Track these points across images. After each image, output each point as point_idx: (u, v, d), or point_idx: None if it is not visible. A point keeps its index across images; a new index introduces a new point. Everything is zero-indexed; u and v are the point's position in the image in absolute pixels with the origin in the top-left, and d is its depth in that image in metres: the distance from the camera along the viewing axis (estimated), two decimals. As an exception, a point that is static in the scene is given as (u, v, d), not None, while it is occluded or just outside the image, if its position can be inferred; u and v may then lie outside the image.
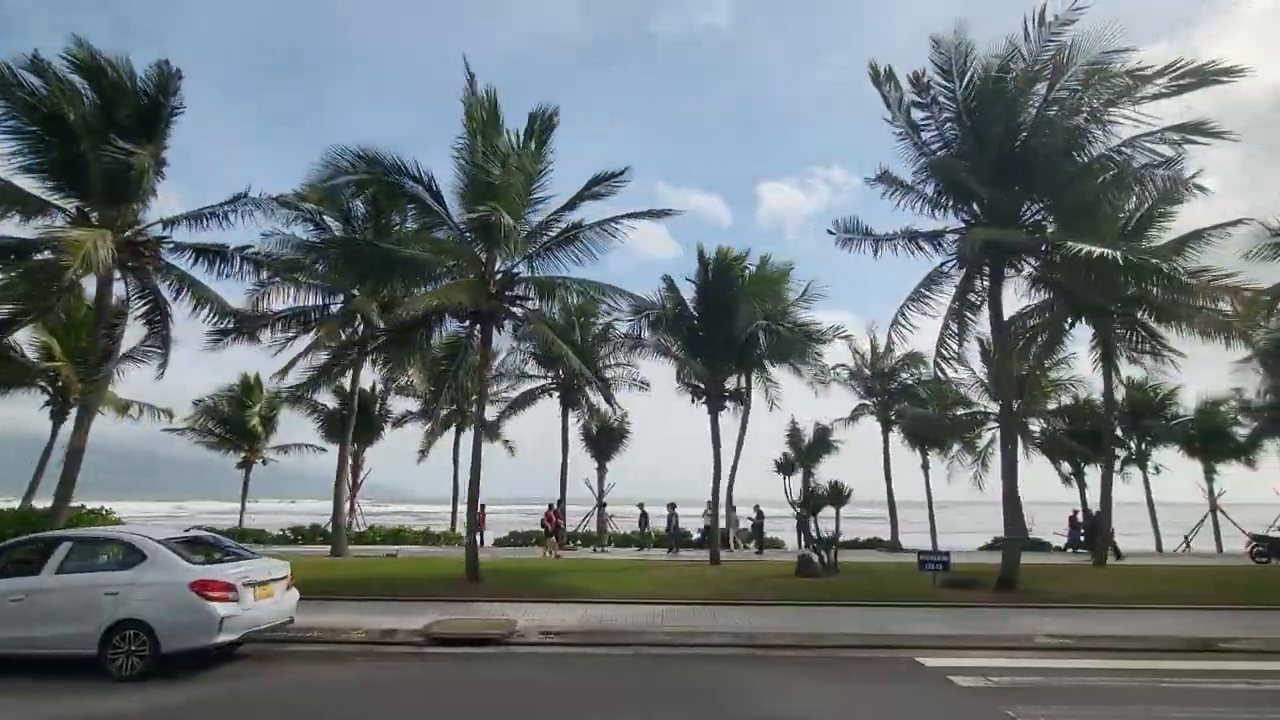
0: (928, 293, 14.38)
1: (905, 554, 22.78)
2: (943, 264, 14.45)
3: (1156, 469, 28.80)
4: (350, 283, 15.57)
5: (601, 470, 29.24)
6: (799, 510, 15.59)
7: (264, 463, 30.76)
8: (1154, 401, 28.28)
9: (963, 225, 14.37)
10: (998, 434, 30.71)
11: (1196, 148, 12.22)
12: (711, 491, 18.20)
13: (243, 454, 30.49)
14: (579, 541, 26.79)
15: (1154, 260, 12.51)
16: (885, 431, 27.94)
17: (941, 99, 13.56)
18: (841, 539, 28.61)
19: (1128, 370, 24.17)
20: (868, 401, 28.68)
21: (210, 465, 30.51)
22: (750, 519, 24.71)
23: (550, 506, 24.82)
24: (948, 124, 13.92)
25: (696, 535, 26.10)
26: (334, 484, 20.25)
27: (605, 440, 29.09)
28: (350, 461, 31.00)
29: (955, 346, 15.78)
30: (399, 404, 32.05)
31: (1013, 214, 13.95)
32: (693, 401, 18.58)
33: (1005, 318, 20.26)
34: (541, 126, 14.48)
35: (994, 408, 30.14)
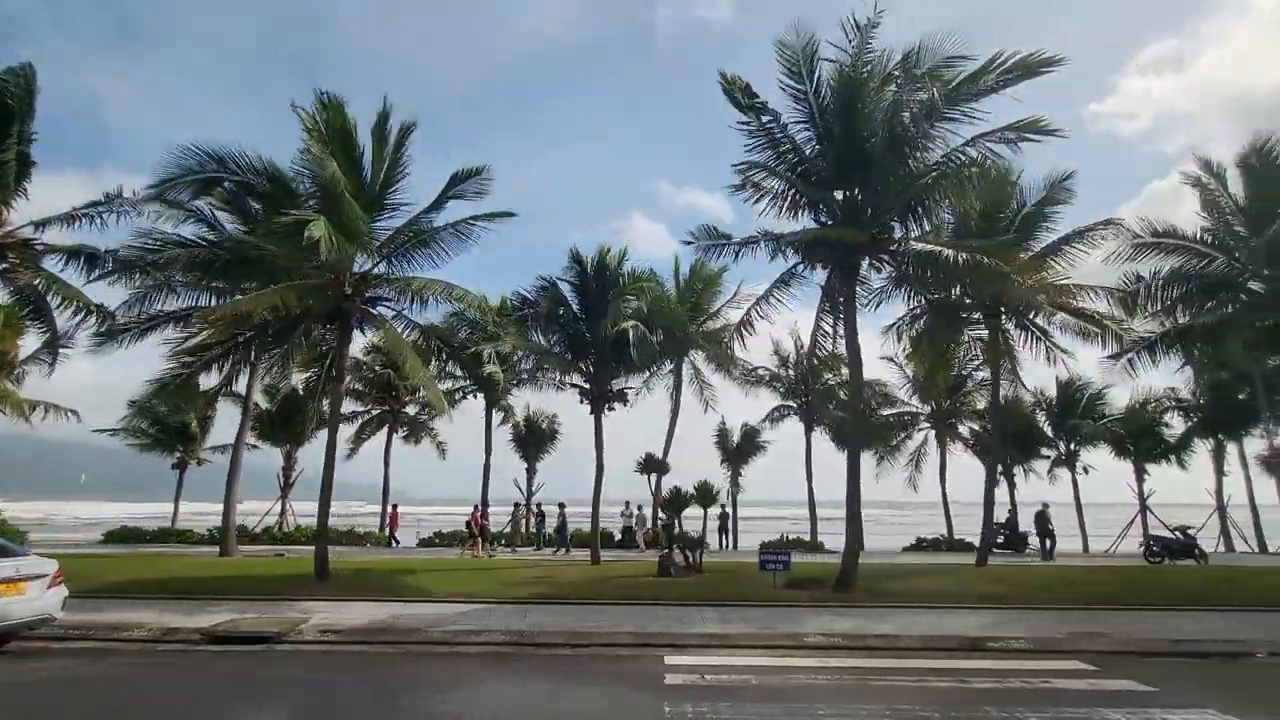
0: (778, 295, 14.42)
1: (826, 555, 22.81)
2: (794, 265, 14.48)
3: (1085, 469, 28.76)
4: (207, 283, 15.69)
5: (531, 471, 29.31)
6: (664, 511, 15.62)
7: (199, 463, 30.94)
8: (1080, 400, 28.23)
9: (815, 225, 14.41)
10: (930, 434, 30.86)
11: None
12: (593, 493, 18.23)
13: (177, 454, 30.71)
14: (502, 542, 26.86)
15: (987, 259, 12.56)
16: (808, 433, 27.92)
17: (784, 104, 13.64)
18: (786, 540, 28.71)
19: (1050, 370, 24.22)
20: (790, 403, 28.68)
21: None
22: (661, 519, 24.71)
23: (475, 508, 25.03)
24: (799, 126, 13.96)
25: (618, 535, 26.36)
26: (225, 484, 20.27)
27: (534, 441, 29.15)
28: (283, 461, 31.23)
29: (829, 346, 15.90)
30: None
31: (865, 214, 13.97)
32: (581, 402, 18.63)
33: (895, 318, 20.55)
34: (400, 135, 14.63)
35: (924, 408, 30.22)
